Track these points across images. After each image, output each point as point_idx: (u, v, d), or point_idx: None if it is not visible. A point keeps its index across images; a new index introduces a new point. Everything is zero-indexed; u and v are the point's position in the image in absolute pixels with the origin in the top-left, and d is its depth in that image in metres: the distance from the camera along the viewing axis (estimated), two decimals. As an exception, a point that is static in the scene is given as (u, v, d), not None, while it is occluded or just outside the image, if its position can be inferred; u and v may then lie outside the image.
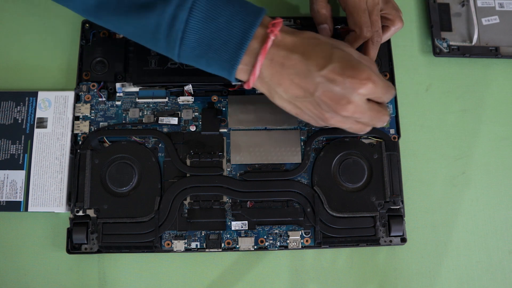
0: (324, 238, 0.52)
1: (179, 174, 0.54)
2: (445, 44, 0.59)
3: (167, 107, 0.56)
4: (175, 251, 0.52)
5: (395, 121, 0.56)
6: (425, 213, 0.56)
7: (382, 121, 0.49)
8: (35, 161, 0.54)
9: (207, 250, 0.53)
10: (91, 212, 0.53)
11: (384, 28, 0.54)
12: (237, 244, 0.53)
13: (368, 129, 0.50)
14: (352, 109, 0.45)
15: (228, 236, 0.53)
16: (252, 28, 0.44)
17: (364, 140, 0.55)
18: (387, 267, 0.54)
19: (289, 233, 0.53)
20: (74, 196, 0.53)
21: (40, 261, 0.53)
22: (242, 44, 0.44)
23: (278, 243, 0.53)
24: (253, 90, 0.56)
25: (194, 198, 0.53)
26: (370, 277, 0.54)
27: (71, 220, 0.52)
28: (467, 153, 0.58)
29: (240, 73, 0.46)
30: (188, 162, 0.54)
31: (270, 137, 0.55)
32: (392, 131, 0.56)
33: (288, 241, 0.53)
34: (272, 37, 0.44)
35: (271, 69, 0.45)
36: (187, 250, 0.52)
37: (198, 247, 0.53)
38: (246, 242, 0.52)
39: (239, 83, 0.50)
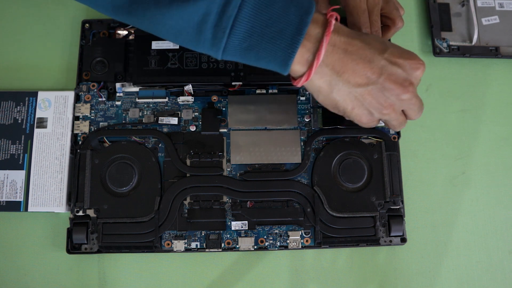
0: (324, 238, 0.52)
1: (179, 174, 0.54)
2: (445, 44, 0.59)
3: (167, 107, 0.56)
4: (175, 251, 0.52)
5: (395, 121, 0.56)
6: (425, 213, 0.56)
7: (422, 110, 0.48)
8: (35, 161, 0.54)
9: (207, 250, 0.53)
10: (91, 212, 0.53)
11: (385, 27, 0.54)
12: (237, 244, 0.53)
13: (405, 123, 0.49)
14: (412, 90, 0.45)
15: (228, 236, 0.53)
16: (309, 13, 0.41)
17: (364, 140, 0.55)
18: (387, 267, 0.54)
19: (289, 233, 0.53)
20: (74, 196, 0.53)
21: (40, 261, 0.53)
22: (300, 29, 0.41)
23: (278, 243, 0.53)
24: (253, 90, 0.56)
25: (194, 198, 0.53)
26: (370, 277, 0.54)
27: (71, 220, 0.52)
28: (467, 153, 0.58)
29: (297, 64, 0.43)
30: (188, 162, 0.54)
31: (270, 137, 0.55)
32: (392, 131, 0.56)
33: (288, 241, 0.53)
34: (333, 21, 0.42)
35: (333, 56, 0.43)
36: (187, 250, 0.52)
37: (198, 247, 0.53)
38: (246, 242, 0.52)
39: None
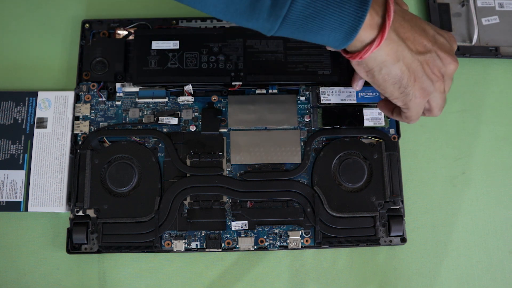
0: (324, 238, 0.52)
1: (179, 174, 0.54)
2: (445, 44, 0.59)
3: (167, 107, 0.56)
4: (175, 251, 0.52)
5: (395, 121, 0.56)
6: (425, 213, 0.56)
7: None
8: (35, 161, 0.54)
9: (207, 250, 0.53)
10: (91, 212, 0.53)
11: None
12: (237, 244, 0.53)
13: (440, 111, 0.48)
14: (456, 61, 0.45)
15: (228, 236, 0.53)
16: None
17: (364, 140, 0.55)
18: (387, 267, 0.54)
19: (289, 233, 0.53)
20: (74, 196, 0.53)
21: (40, 261, 0.53)
22: None
23: (278, 243, 0.53)
24: (253, 90, 0.56)
25: (194, 198, 0.53)
26: (370, 277, 0.54)
27: (71, 220, 0.52)
28: (467, 153, 0.58)
29: (367, 29, 0.40)
30: (188, 162, 0.54)
31: (270, 137, 0.55)
32: (392, 131, 0.56)
33: (288, 241, 0.53)
34: None
35: (396, 22, 0.41)
36: (187, 250, 0.52)
37: (198, 247, 0.53)
38: (246, 242, 0.52)
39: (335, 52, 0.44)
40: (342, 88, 0.56)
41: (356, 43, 0.41)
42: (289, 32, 0.40)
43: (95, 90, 0.56)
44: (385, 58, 0.42)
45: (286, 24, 0.39)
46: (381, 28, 0.40)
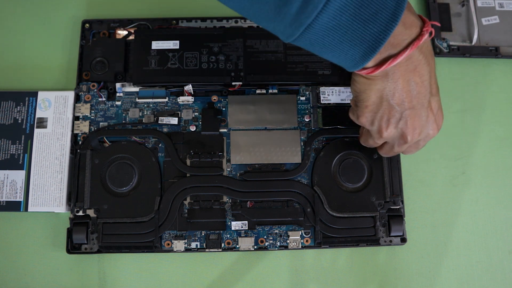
0: (324, 238, 0.52)
1: (179, 174, 0.54)
2: (445, 44, 0.59)
3: (167, 107, 0.56)
4: (175, 251, 0.52)
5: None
6: (425, 213, 0.56)
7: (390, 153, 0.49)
8: (35, 161, 0.54)
9: (207, 250, 0.53)
10: (91, 212, 0.53)
11: None
12: (237, 244, 0.53)
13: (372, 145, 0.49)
14: (406, 143, 0.44)
15: (228, 236, 0.53)
16: (404, 1, 0.37)
17: (364, 140, 0.55)
18: (387, 267, 0.54)
19: (289, 233, 0.53)
20: (74, 196, 0.53)
21: (40, 261, 0.53)
22: (396, 15, 0.36)
23: (278, 243, 0.53)
24: (253, 90, 0.56)
25: (194, 198, 0.53)
26: (370, 277, 0.54)
27: (71, 220, 0.52)
28: (467, 153, 0.58)
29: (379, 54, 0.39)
30: (188, 162, 0.54)
31: (270, 137, 0.55)
32: (392, 131, 0.56)
33: (288, 241, 0.53)
34: (426, 36, 0.39)
35: (402, 66, 0.40)
36: (187, 250, 0.52)
37: (198, 247, 0.53)
38: (246, 242, 0.52)
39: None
40: (342, 88, 0.56)
41: None
42: (307, 42, 0.39)
43: (95, 90, 0.56)
44: (369, 77, 0.41)
45: (308, 33, 0.37)
46: (380, 64, 0.39)
